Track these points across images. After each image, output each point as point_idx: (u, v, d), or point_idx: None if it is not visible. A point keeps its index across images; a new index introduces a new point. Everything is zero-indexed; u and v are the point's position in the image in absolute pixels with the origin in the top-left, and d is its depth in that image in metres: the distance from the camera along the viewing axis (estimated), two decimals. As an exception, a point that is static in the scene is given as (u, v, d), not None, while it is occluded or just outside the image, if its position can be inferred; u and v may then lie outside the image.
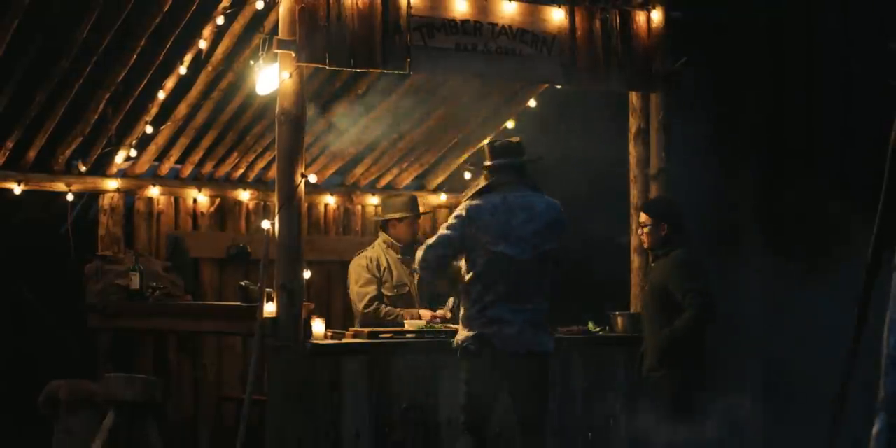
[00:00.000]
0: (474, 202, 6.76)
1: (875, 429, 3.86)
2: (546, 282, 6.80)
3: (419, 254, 6.78)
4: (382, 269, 8.34)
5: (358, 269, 8.38)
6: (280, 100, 7.23)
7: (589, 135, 9.35)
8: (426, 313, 8.13)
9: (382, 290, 8.33)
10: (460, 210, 6.76)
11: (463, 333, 6.76)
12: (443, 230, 6.76)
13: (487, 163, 6.89)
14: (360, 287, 8.32)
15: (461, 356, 6.77)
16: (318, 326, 7.42)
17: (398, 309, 8.24)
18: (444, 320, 8.03)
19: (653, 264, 7.65)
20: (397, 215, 8.42)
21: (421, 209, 8.73)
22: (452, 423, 7.51)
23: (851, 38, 9.51)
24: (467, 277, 6.75)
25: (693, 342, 7.28)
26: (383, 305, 8.25)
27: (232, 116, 8.98)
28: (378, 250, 8.44)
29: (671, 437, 7.14)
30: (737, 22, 9.65)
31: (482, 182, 6.86)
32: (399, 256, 8.41)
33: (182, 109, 8.73)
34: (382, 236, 8.51)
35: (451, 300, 8.17)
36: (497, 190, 6.78)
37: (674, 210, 7.61)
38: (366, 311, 8.28)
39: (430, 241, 6.77)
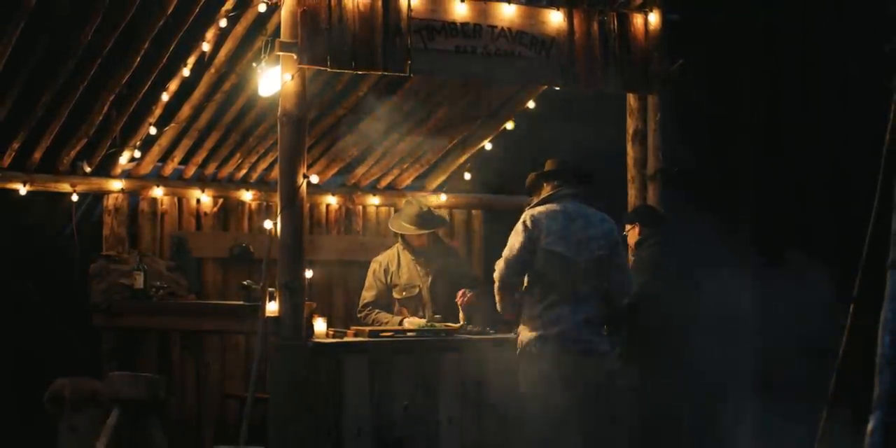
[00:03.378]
0: (536, 210, 7.15)
1: (870, 426, 3.94)
2: (602, 285, 7.10)
3: (496, 273, 7.12)
4: (391, 272, 8.44)
5: (368, 273, 8.57)
6: (282, 101, 7.31)
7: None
8: (415, 322, 8.19)
9: (393, 293, 8.45)
10: (524, 218, 7.12)
11: (525, 334, 7.07)
12: (511, 243, 7.10)
13: (550, 172, 7.30)
14: (363, 291, 8.54)
15: (523, 357, 7.07)
16: (319, 325, 7.50)
17: (386, 316, 8.33)
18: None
19: None
20: (399, 230, 8.47)
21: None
22: (452, 421, 7.59)
23: (847, 39, 9.57)
24: (527, 279, 7.08)
25: (644, 343, 7.43)
26: (375, 312, 8.37)
27: (234, 118, 9.03)
28: (394, 251, 8.57)
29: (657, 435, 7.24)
30: (734, 24, 9.71)
31: (544, 193, 7.23)
32: (413, 257, 8.49)
33: (185, 111, 8.79)
34: (399, 238, 8.59)
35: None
36: (556, 201, 7.16)
37: (645, 213, 7.82)
38: (359, 314, 8.53)
39: (503, 258, 7.10)
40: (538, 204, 7.19)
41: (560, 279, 7.01)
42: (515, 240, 7.09)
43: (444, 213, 10.14)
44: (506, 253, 7.12)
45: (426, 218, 8.42)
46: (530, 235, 7.04)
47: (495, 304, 7.27)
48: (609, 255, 7.12)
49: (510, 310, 7.19)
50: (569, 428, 6.98)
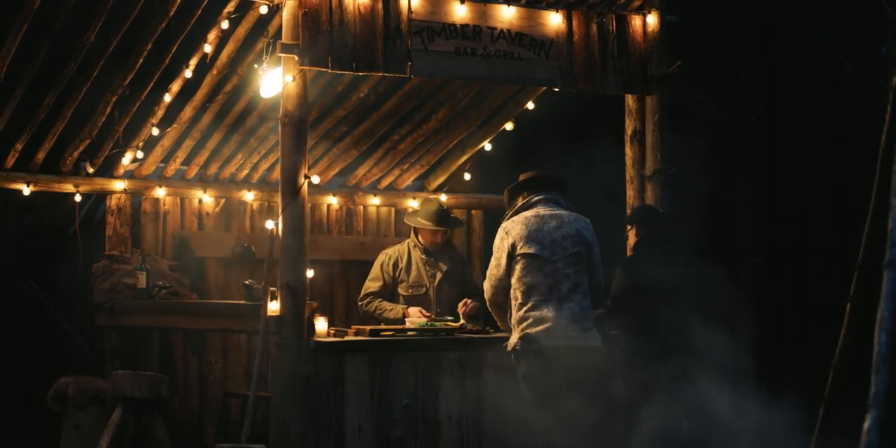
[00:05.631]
0: (509, 221, 7.30)
1: (866, 425, 3.98)
2: (583, 281, 7.22)
3: (485, 294, 7.38)
4: (399, 267, 8.48)
5: (374, 264, 8.61)
6: (283, 102, 7.35)
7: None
8: (414, 311, 8.25)
9: (399, 290, 8.49)
10: (498, 233, 7.29)
11: (514, 336, 7.20)
12: (492, 262, 7.30)
13: (520, 184, 7.42)
14: (367, 280, 8.58)
15: (514, 358, 7.20)
16: (320, 324, 7.55)
17: (389, 304, 8.38)
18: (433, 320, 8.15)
19: None
20: (416, 224, 8.53)
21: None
22: (452, 419, 7.63)
23: (845, 40, 9.62)
24: (512, 283, 7.20)
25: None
26: (378, 300, 8.40)
27: (236, 119, 9.08)
28: (405, 248, 8.59)
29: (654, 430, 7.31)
30: (731, 25, 9.75)
31: (518, 204, 7.35)
32: (424, 257, 8.54)
33: (187, 112, 8.84)
34: (412, 235, 8.64)
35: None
36: (529, 208, 7.30)
37: (642, 214, 7.90)
38: (360, 302, 8.55)
39: (488, 278, 7.31)
40: (512, 215, 7.34)
41: (540, 280, 7.14)
42: (494, 258, 7.28)
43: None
44: (489, 272, 7.32)
45: (444, 217, 8.47)
46: (506, 248, 7.21)
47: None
48: (585, 252, 7.24)
49: (509, 323, 7.36)
50: (562, 424, 7.05)
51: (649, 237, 7.75)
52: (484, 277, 7.46)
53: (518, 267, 7.17)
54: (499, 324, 7.49)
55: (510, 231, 7.23)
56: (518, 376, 7.23)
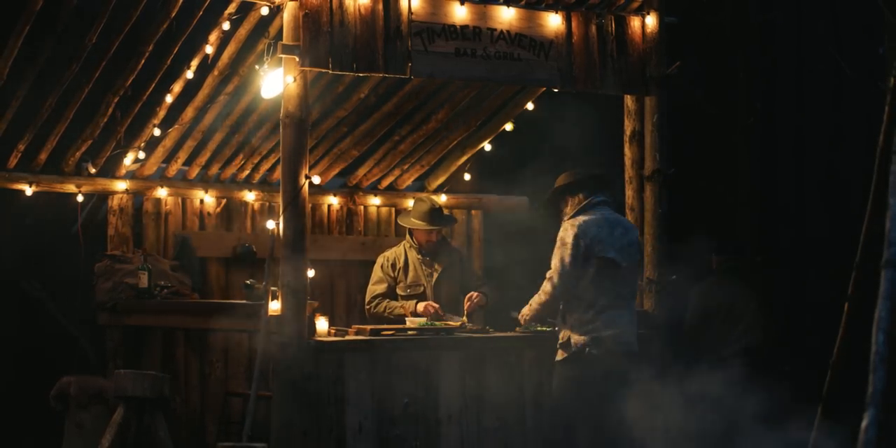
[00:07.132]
0: (578, 219, 7.26)
1: (864, 423, 4.01)
2: (637, 288, 7.50)
3: (550, 288, 7.25)
4: (398, 268, 8.52)
5: (375, 268, 8.65)
6: (284, 103, 7.36)
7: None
8: (422, 306, 8.28)
9: (397, 290, 8.52)
10: (570, 229, 7.22)
11: (576, 337, 7.20)
12: (560, 257, 7.21)
13: (572, 184, 7.41)
14: (371, 285, 8.60)
15: (572, 355, 7.20)
16: (321, 324, 7.57)
17: (397, 303, 8.41)
18: (437, 316, 8.18)
19: None
20: (409, 225, 8.56)
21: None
22: (452, 419, 7.66)
23: (842, 42, 9.65)
24: (580, 284, 7.19)
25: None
26: (386, 301, 8.43)
27: (237, 119, 9.11)
28: (401, 249, 8.63)
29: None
30: (730, 26, 9.79)
31: (572, 204, 7.35)
32: (420, 256, 8.58)
33: (189, 113, 8.88)
34: (408, 236, 8.67)
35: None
36: (592, 210, 7.31)
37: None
38: (367, 306, 8.56)
39: (556, 273, 7.21)
40: (577, 214, 7.31)
41: (610, 284, 7.21)
42: (565, 253, 7.19)
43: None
44: (557, 267, 7.21)
45: (437, 215, 8.50)
46: (581, 245, 7.17)
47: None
48: (640, 259, 7.50)
49: (553, 317, 7.40)
50: (619, 427, 7.08)
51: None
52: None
53: (593, 269, 7.18)
54: (545, 316, 7.44)
55: (587, 231, 7.19)
56: (563, 374, 7.26)
